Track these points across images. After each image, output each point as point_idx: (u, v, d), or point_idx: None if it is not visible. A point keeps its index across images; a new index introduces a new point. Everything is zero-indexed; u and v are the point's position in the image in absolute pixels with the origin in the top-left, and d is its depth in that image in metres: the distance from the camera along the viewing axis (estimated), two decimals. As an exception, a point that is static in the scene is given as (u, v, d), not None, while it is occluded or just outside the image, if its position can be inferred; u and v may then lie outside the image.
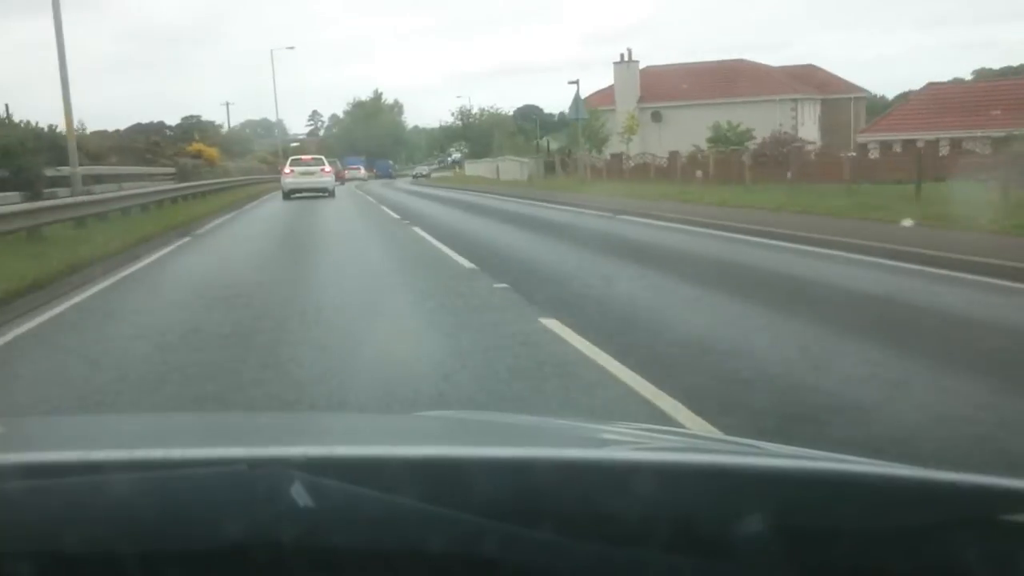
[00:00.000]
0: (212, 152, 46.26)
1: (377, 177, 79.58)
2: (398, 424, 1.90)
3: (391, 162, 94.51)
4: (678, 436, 1.61)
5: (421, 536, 0.87)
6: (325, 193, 34.88)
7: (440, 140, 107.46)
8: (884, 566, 0.92)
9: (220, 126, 58.98)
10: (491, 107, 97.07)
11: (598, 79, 79.37)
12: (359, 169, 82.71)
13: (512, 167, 58.89)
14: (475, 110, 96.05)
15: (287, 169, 36.13)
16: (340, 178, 71.80)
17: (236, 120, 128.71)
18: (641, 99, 55.46)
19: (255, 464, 0.93)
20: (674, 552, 0.90)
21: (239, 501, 0.88)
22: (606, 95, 55.47)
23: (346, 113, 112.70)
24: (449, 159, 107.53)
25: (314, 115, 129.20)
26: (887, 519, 0.93)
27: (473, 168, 77.86)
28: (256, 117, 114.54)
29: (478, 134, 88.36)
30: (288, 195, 34.52)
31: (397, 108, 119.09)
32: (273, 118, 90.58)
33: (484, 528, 0.87)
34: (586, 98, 46.61)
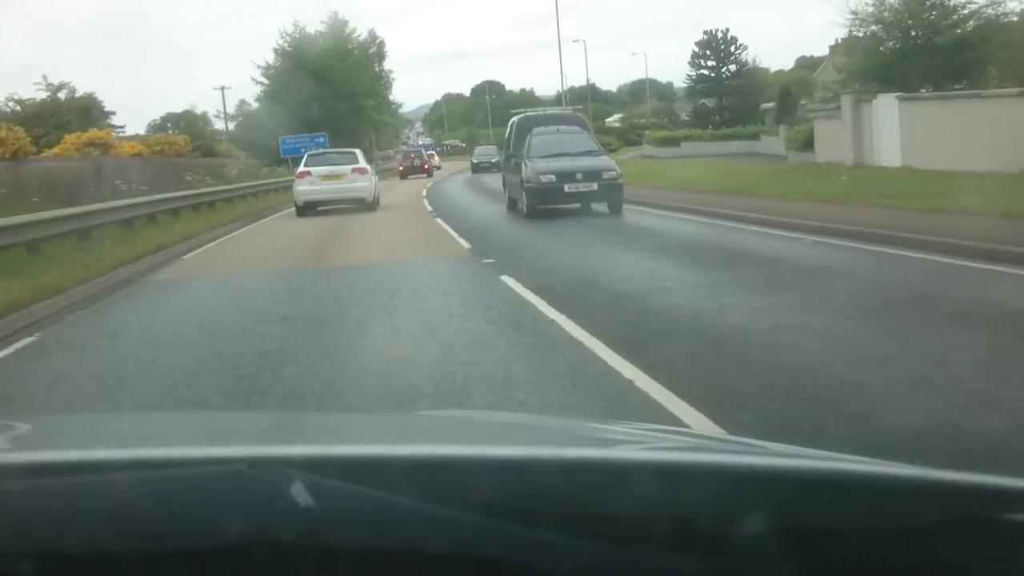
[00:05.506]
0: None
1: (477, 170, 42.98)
2: (398, 423, 1.90)
3: (495, 148, 47.83)
4: (679, 436, 1.61)
5: (421, 536, 0.86)
6: (360, 204, 23.29)
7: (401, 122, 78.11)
8: (885, 565, 0.92)
9: (113, 112, 41.51)
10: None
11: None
12: (433, 155, 58.48)
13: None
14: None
15: (302, 170, 23.94)
16: (428, 171, 51.28)
17: (151, 112, 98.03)
18: None
19: (255, 463, 0.92)
20: (675, 552, 0.90)
21: (239, 500, 0.88)
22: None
23: (280, 54, 58.36)
24: (419, 142, 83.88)
25: (241, 104, 78.83)
26: (888, 518, 0.93)
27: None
28: (177, 109, 74.55)
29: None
30: (304, 210, 23.07)
31: (377, 48, 65.09)
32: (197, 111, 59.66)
33: (484, 528, 0.87)
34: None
